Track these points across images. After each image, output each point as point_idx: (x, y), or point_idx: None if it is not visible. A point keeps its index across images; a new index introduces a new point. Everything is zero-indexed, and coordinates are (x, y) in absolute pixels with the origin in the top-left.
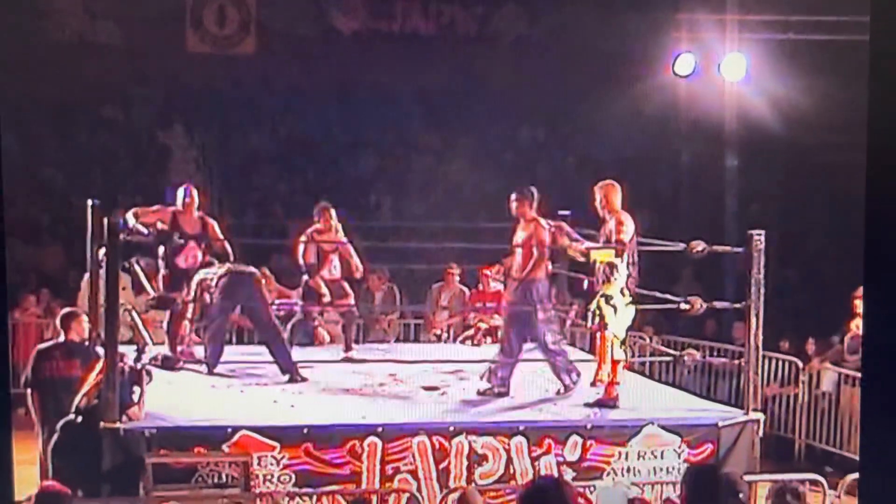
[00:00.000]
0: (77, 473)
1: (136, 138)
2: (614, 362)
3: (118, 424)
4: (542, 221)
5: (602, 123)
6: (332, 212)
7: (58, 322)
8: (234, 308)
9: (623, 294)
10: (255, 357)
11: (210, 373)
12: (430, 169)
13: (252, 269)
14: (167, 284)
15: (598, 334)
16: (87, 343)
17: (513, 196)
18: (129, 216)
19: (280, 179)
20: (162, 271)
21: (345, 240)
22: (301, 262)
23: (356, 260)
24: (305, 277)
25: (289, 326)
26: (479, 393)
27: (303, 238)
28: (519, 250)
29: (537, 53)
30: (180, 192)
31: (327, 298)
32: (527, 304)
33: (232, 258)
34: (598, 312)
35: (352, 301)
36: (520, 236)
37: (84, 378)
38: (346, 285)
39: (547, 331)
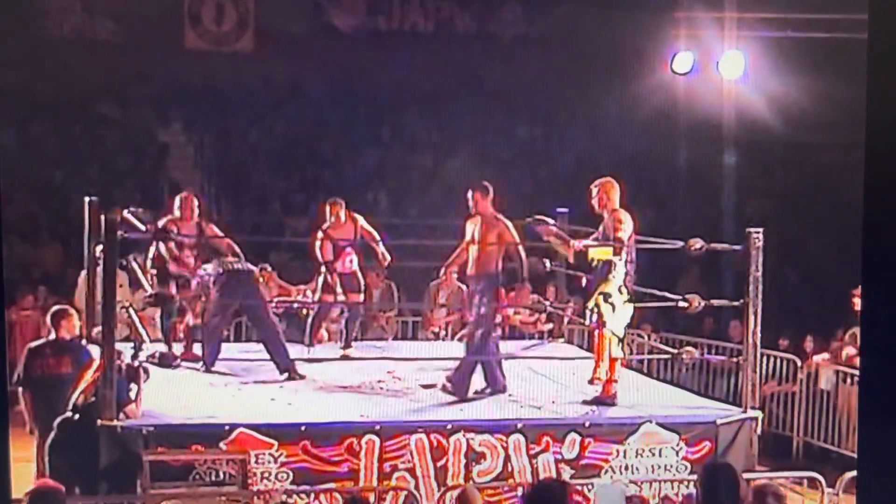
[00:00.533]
0: (74, 471)
1: (135, 135)
2: (612, 360)
3: (116, 422)
4: (502, 217)
5: (601, 121)
6: (342, 205)
7: (48, 319)
8: (233, 306)
9: (621, 292)
10: (253, 355)
11: (207, 371)
12: (427, 166)
13: (250, 266)
14: (155, 286)
15: (597, 332)
16: (77, 340)
17: (470, 193)
18: (126, 214)
19: (278, 176)
20: (150, 271)
21: (371, 229)
22: (319, 257)
23: (382, 248)
24: (324, 270)
25: (309, 322)
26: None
27: (319, 235)
28: (473, 247)
29: (536, 51)
30: (177, 200)
31: (341, 296)
32: (491, 301)
33: (241, 256)
34: (596, 310)
35: (362, 297)
36: (478, 232)
37: (81, 376)
38: (360, 279)
39: (483, 328)
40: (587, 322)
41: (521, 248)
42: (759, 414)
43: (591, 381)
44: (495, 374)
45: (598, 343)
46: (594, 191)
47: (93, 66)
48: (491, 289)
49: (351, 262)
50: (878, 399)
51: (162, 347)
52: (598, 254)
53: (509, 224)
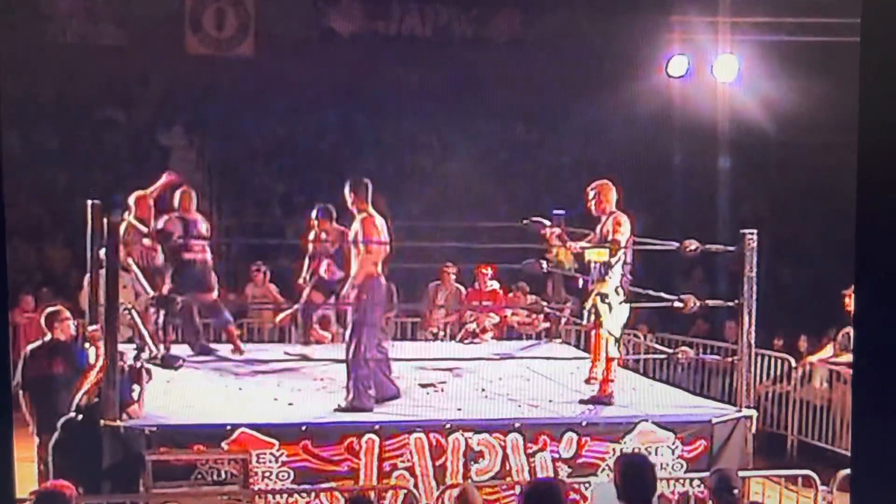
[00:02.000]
0: (78, 471)
1: (137, 139)
2: (609, 360)
3: (119, 422)
4: (378, 217)
5: (597, 124)
6: (315, 213)
7: (42, 321)
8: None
9: (618, 293)
10: (256, 356)
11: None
12: (427, 169)
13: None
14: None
15: (594, 332)
16: (72, 341)
17: (346, 189)
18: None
19: (278, 179)
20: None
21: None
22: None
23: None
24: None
25: (299, 320)
26: (336, 409)
27: (310, 240)
28: (353, 248)
29: (532, 55)
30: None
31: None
32: (364, 305)
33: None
34: (593, 311)
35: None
36: (358, 232)
37: (84, 377)
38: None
39: (371, 336)
40: (584, 322)
41: (379, 246)
42: (753, 413)
43: (587, 381)
44: (381, 381)
45: (594, 343)
46: (591, 193)
47: (96, 71)
48: (371, 292)
49: (330, 268)
50: (871, 397)
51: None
52: (594, 255)
53: (378, 222)
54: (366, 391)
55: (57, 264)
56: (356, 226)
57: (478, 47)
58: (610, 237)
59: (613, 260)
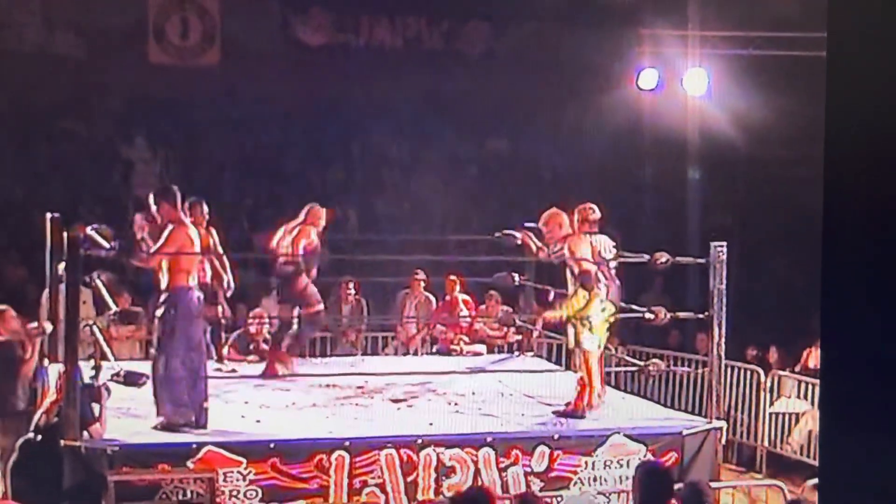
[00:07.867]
0: (38, 493)
1: (98, 151)
2: (590, 377)
3: (79, 442)
4: (191, 227)
5: (568, 136)
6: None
7: None
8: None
9: (603, 310)
10: (222, 372)
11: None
12: (396, 181)
13: None
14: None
15: (582, 359)
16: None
17: (152, 198)
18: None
19: (245, 192)
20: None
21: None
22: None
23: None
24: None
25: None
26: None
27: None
28: (164, 260)
29: (503, 68)
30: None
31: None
32: (177, 318)
33: None
34: (576, 337)
35: (220, 310)
36: (163, 241)
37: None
38: (214, 292)
39: (182, 352)
40: (568, 346)
41: (220, 260)
42: (723, 424)
43: (589, 407)
44: (194, 402)
45: (585, 370)
46: (543, 229)
47: (54, 81)
48: (181, 305)
49: (203, 272)
50: (837, 409)
51: (127, 365)
52: (573, 310)
53: (193, 230)
54: (179, 409)
55: (15, 279)
56: (164, 235)
57: (448, 60)
58: (576, 270)
59: (590, 308)
